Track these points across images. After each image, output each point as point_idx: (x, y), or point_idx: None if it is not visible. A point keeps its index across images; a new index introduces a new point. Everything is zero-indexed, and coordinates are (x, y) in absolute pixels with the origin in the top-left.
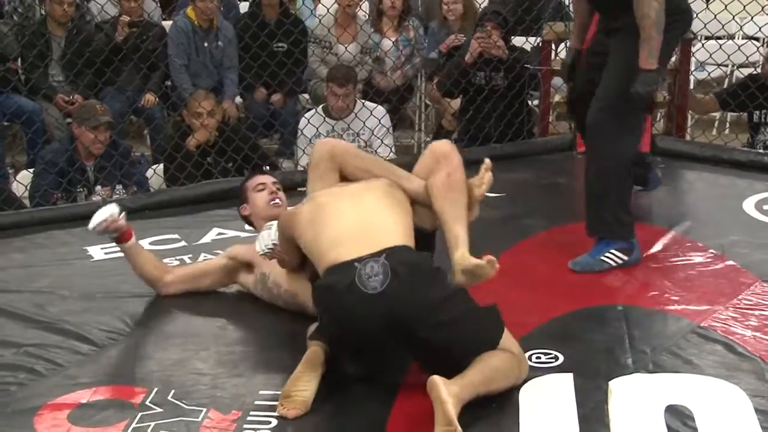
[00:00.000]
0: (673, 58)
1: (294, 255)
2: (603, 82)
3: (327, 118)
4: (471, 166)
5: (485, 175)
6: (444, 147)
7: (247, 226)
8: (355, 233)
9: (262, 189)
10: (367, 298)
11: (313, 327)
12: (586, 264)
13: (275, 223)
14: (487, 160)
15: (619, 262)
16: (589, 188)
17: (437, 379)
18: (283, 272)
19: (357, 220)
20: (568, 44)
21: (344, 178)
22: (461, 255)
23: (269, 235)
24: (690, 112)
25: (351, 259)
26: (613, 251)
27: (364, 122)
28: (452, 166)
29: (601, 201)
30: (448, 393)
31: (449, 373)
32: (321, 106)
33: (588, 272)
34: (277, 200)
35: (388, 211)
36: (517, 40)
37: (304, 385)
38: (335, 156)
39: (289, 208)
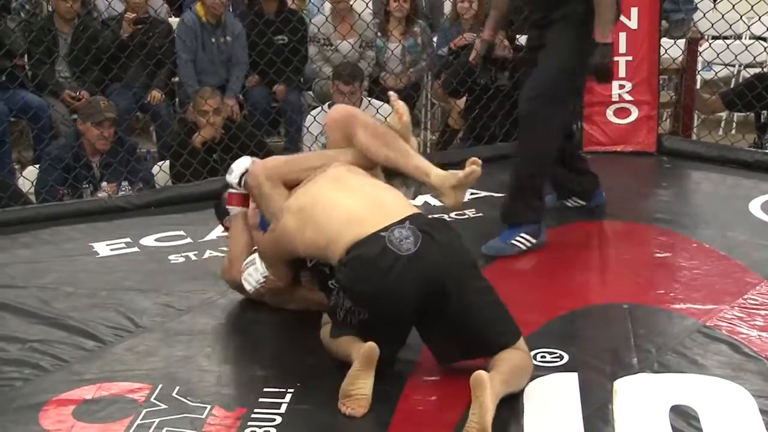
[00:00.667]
0: (680, 58)
1: (286, 273)
2: (537, 72)
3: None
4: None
5: (399, 107)
6: (340, 111)
7: None
8: (366, 210)
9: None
10: (404, 260)
11: (326, 324)
12: (498, 249)
13: (256, 255)
14: (392, 93)
15: (528, 245)
16: (515, 176)
17: (484, 376)
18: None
19: (360, 199)
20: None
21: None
22: (438, 174)
23: (256, 270)
24: (696, 112)
25: (374, 231)
26: (522, 235)
27: None
28: (361, 120)
29: (523, 189)
30: (492, 393)
31: (459, 358)
32: (327, 104)
33: (501, 256)
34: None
35: (379, 185)
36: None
37: (363, 383)
38: (270, 175)
39: (263, 237)
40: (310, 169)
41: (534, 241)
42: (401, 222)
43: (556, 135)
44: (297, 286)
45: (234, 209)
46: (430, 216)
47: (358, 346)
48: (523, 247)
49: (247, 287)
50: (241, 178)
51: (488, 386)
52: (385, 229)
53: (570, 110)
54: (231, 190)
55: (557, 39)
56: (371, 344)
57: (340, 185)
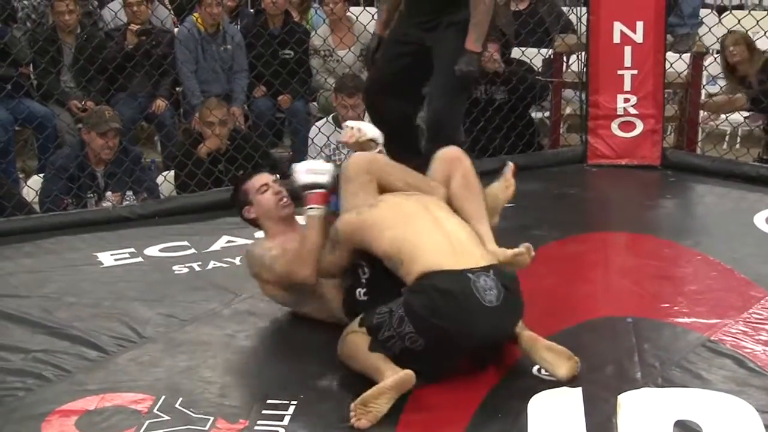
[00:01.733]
0: (685, 72)
1: (341, 261)
2: (441, 79)
3: (338, 128)
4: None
5: (510, 179)
6: (453, 152)
7: (256, 233)
8: (453, 246)
9: (265, 190)
10: (486, 311)
11: (352, 332)
12: None
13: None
14: (511, 164)
15: None
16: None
17: (532, 336)
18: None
19: (448, 234)
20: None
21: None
22: (491, 250)
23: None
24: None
25: (462, 269)
26: None
27: None
28: (465, 168)
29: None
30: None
31: None
32: (331, 115)
33: None
34: (285, 199)
35: (465, 225)
36: (529, 52)
37: (385, 403)
38: (372, 170)
39: (345, 215)
40: (407, 184)
41: None
42: (486, 269)
43: (460, 134)
44: (324, 287)
45: (318, 208)
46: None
47: (394, 368)
48: None
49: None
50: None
51: (538, 338)
52: (471, 271)
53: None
54: (319, 190)
55: (453, 44)
56: (411, 373)
57: (432, 214)
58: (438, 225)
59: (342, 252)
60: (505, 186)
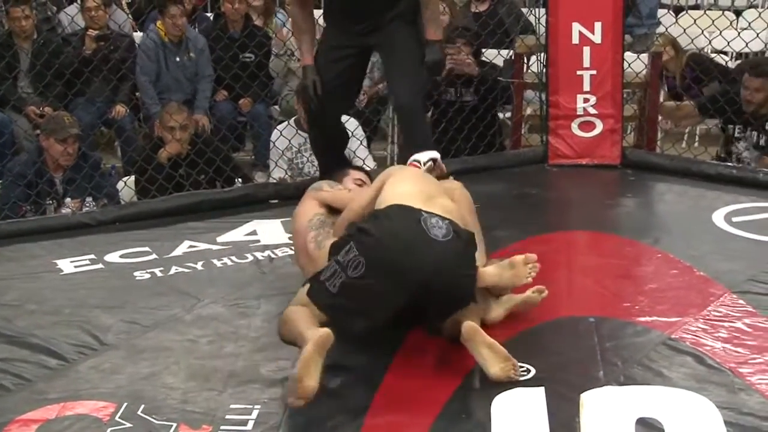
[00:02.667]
0: (643, 72)
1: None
2: (402, 67)
3: (299, 131)
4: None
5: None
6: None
7: (218, 239)
8: (427, 200)
9: (360, 184)
10: (429, 242)
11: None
12: None
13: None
14: (534, 255)
15: None
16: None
17: (474, 326)
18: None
19: (422, 192)
20: (509, 66)
21: None
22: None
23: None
24: (665, 122)
25: (417, 207)
26: None
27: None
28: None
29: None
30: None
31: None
32: (293, 118)
33: None
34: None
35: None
36: (489, 53)
37: (315, 369)
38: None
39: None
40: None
41: None
42: (441, 216)
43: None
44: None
45: None
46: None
47: (314, 330)
48: None
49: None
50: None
51: (484, 335)
52: (426, 212)
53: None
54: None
55: (401, 36)
56: (327, 330)
57: (414, 181)
58: (418, 186)
59: (374, 189)
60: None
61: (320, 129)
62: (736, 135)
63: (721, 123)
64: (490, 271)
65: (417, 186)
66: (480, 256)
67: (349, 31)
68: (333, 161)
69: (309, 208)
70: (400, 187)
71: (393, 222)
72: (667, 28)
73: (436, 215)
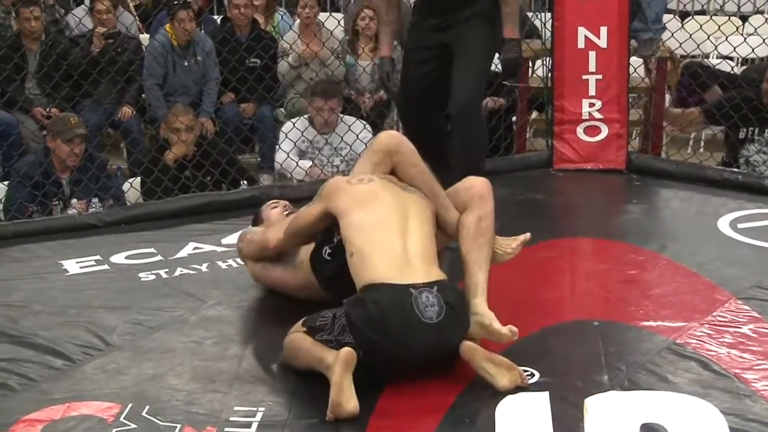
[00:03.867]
0: (650, 77)
1: (303, 236)
2: (466, 67)
3: (305, 133)
4: None
5: (517, 247)
6: (482, 187)
7: (223, 240)
8: (405, 259)
9: (275, 206)
10: (424, 327)
11: (296, 332)
12: None
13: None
14: (528, 235)
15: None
16: (459, 167)
17: (471, 346)
18: None
19: (407, 244)
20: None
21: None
22: (480, 305)
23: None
24: (669, 128)
25: (405, 283)
26: None
27: (342, 137)
28: (486, 210)
29: (475, 168)
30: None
31: None
32: (298, 119)
33: None
34: (288, 211)
35: (430, 241)
36: None
37: (349, 391)
38: (393, 152)
39: (338, 177)
40: (421, 182)
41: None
42: (430, 285)
43: (484, 123)
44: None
45: None
46: (452, 287)
47: (334, 352)
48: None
49: None
50: None
51: (478, 348)
52: (414, 286)
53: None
54: None
55: (473, 36)
56: (349, 349)
57: (405, 221)
58: (402, 233)
59: (318, 207)
60: (508, 250)
61: (413, 130)
62: (748, 137)
63: (727, 128)
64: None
65: (386, 209)
66: (441, 202)
67: (427, 26)
68: (432, 158)
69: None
70: (370, 215)
71: (383, 311)
72: (672, 34)
73: (425, 288)
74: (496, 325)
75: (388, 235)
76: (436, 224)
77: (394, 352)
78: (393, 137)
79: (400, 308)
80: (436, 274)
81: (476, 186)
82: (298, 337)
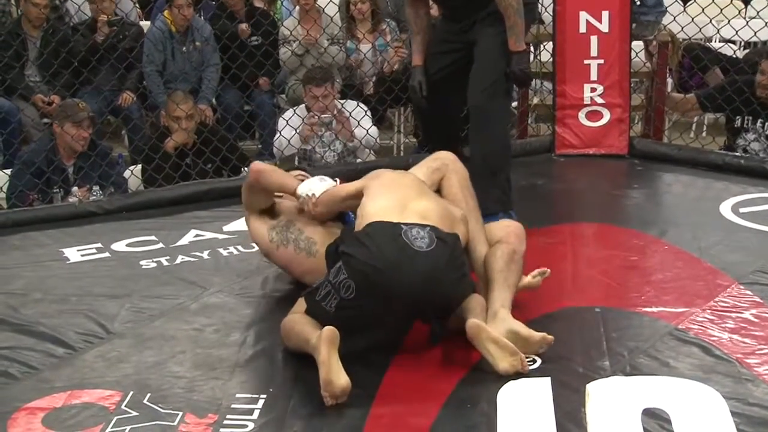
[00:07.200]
0: (651, 61)
1: (336, 206)
2: (481, 68)
3: (305, 119)
4: None
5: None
6: (519, 228)
7: (225, 227)
8: (404, 213)
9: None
10: (414, 254)
11: (293, 313)
12: None
13: (328, 181)
14: (551, 338)
15: None
16: (479, 170)
17: (477, 324)
18: (309, 221)
19: (408, 207)
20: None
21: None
22: (506, 313)
23: (318, 187)
24: (669, 112)
25: (397, 221)
26: None
27: (343, 124)
28: (520, 248)
29: (492, 179)
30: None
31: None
32: (298, 107)
33: None
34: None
35: (435, 217)
36: None
37: (337, 366)
38: (450, 164)
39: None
40: (470, 197)
41: None
42: (423, 225)
43: (507, 126)
44: (323, 230)
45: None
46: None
47: (317, 331)
48: None
49: (301, 189)
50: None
51: (489, 330)
52: (406, 224)
53: (511, 98)
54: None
55: (490, 35)
56: (330, 327)
57: (389, 191)
58: (409, 200)
59: (358, 184)
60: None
61: (425, 117)
62: (744, 126)
63: (727, 113)
64: (502, 329)
65: (391, 197)
66: (477, 230)
67: (453, 29)
68: (435, 140)
69: (259, 226)
70: (374, 203)
71: (375, 241)
72: (674, 17)
73: (416, 225)
74: (526, 331)
75: (395, 198)
76: (463, 232)
77: (386, 281)
78: (454, 155)
79: (391, 238)
80: (436, 222)
81: (513, 226)
82: (291, 319)
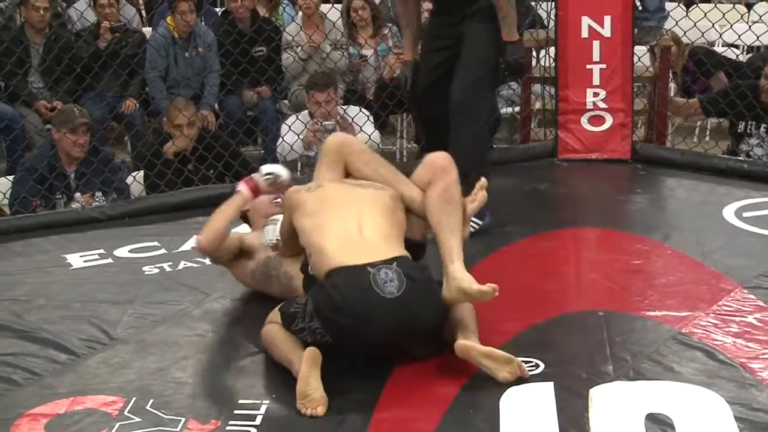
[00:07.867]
0: (654, 64)
1: (293, 243)
2: (466, 64)
3: (308, 125)
4: None
5: (479, 193)
6: (442, 160)
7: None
8: (361, 241)
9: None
10: (386, 302)
11: (271, 323)
12: None
13: (279, 217)
14: (483, 179)
15: (476, 227)
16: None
17: (465, 345)
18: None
19: (363, 229)
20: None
21: (348, 173)
22: (458, 270)
23: (273, 230)
24: (672, 117)
25: (362, 263)
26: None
27: (346, 129)
28: (449, 180)
29: (467, 176)
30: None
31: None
32: (301, 112)
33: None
34: (279, 200)
35: (389, 222)
36: None
37: (316, 383)
38: (342, 151)
39: (295, 187)
40: (376, 172)
41: (481, 223)
42: (389, 262)
43: (487, 122)
44: (297, 262)
45: (242, 189)
46: (415, 264)
47: (300, 352)
48: (472, 230)
49: (261, 240)
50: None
51: (480, 347)
52: (372, 264)
53: (494, 93)
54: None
55: (478, 30)
56: (313, 349)
57: (361, 210)
58: (357, 221)
59: (286, 218)
60: (471, 199)
61: (424, 120)
62: (748, 130)
63: (731, 118)
64: (454, 289)
65: (339, 206)
66: (405, 186)
67: (444, 22)
68: (435, 143)
69: (240, 274)
70: (325, 237)
71: (344, 296)
72: (677, 22)
73: (383, 265)
74: (476, 285)
75: (343, 225)
76: (402, 208)
77: (361, 333)
78: (338, 137)
79: (359, 288)
80: (397, 251)
81: (436, 160)
82: (272, 331)
